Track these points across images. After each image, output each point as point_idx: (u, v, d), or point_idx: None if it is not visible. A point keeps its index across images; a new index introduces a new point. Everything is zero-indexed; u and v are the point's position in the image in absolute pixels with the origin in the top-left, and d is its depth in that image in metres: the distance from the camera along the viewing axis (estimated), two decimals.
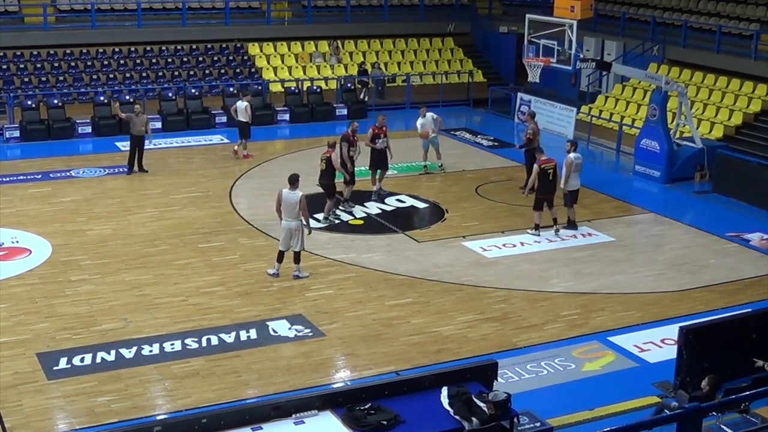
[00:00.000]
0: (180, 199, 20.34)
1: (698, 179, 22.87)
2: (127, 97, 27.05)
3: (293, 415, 9.32)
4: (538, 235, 18.62)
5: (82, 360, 13.09)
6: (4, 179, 21.79)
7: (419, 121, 22.72)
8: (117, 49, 29.82)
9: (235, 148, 24.17)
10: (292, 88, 29.71)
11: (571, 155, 18.84)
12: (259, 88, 29.21)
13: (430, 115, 22.75)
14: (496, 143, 26.54)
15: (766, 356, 12.03)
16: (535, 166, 18.61)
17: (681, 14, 29.30)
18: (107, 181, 21.92)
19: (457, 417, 9.45)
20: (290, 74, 31.04)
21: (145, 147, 22.43)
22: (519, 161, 24.26)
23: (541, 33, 23.61)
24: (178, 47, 30.69)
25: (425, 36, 33.85)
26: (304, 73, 31.13)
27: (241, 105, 23.66)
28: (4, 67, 28.17)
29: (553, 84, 29.33)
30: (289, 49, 31.83)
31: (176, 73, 29.81)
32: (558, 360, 13.49)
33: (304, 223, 15.81)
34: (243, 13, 32.38)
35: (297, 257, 16.12)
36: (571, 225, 18.99)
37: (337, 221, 19.21)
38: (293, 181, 15.73)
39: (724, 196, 21.69)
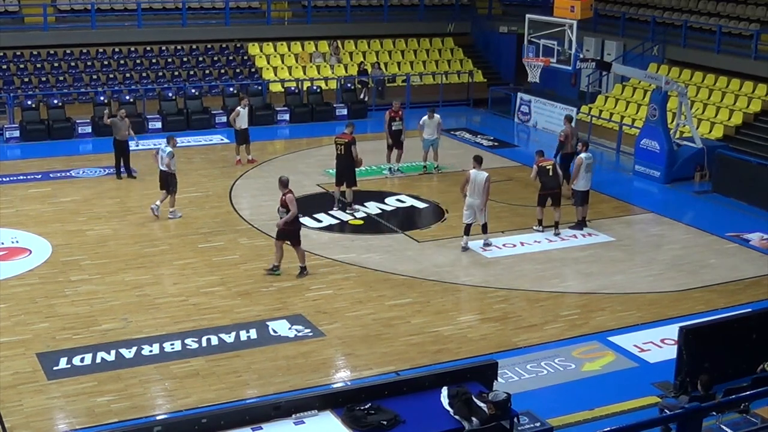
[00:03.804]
0: (180, 199, 20.29)
1: (698, 179, 22.87)
2: (127, 97, 27.07)
3: (293, 415, 9.32)
4: (542, 230, 18.65)
5: (82, 360, 13.10)
6: (4, 179, 21.79)
7: (424, 119, 22.71)
8: (117, 49, 29.82)
9: (249, 157, 23.63)
10: (292, 88, 29.71)
11: (582, 155, 18.90)
12: (259, 88, 29.22)
13: (437, 117, 22.81)
14: (496, 143, 26.54)
15: (766, 356, 12.04)
16: (534, 165, 18.65)
17: (681, 14, 29.31)
18: (107, 181, 21.90)
19: (457, 417, 9.45)
20: (290, 74, 31.04)
21: (131, 148, 22.15)
22: (519, 161, 24.31)
23: (541, 33, 23.60)
24: (178, 47, 30.70)
25: (425, 36, 33.85)
26: (304, 73, 31.14)
27: (243, 111, 23.41)
28: (4, 67, 28.17)
29: (553, 84, 29.34)
30: (289, 49, 31.84)
31: (176, 73, 29.82)
32: (558, 360, 13.49)
33: (481, 200, 17.33)
34: (243, 13, 32.39)
35: (485, 228, 17.83)
36: (579, 224, 18.99)
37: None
38: (480, 161, 17.62)
39: (724, 196, 21.68)
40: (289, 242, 16.26)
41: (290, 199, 15.95)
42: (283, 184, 16.10)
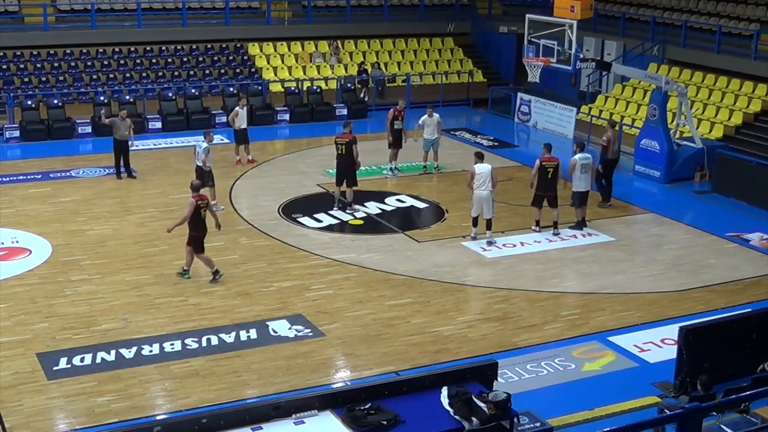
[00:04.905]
0: (180, 199, 20.25)
1: (698, 179, 22.87)
2: (127, 97, 27.07)
3: (293, 415, 9.32)
4: (539, 231, 18.65)
5: (82, 360, 13.10)
6: (4, 179, 21.78)
7: (424, 119, 22.69)
8: (117, 49, 29.82)
9: (249, 157, 23.61)
10: (292, 88, 29.71)
11: (577, 156, 18.85)
12: (259, 88, 29.22)
13: (436, 116, 22.81)
14: (496, 143, 26.54)
15: (766, 356, 12.04)
16: (537, 161, 18.61)
17: (681, 14, 29.31)
18: (107, 181, 21.91)
19: (457, 417, 9.46)
20: (290, 74, 31.04)
21: (130, 149, 22.10)
22: (519, 161, 24.32)
23: (541, 33, 23.61)
24: (178, 47, 30.69)
25: (425, 36, 33.86)
26: (304, 73, 31.14)
27: (242, 111, 23.40)
28: (4, 67, 28.16)
29: (553, 84, 29.35)
30: (289, 49, 31.84)
31: (176, 73, 29.81)
32: (558, 360, 13.49)
33: (492, 190, 17.63)
34: (243, 13, 32.39)
35: (489, 224, 17.91)
36: (578, 225, 18.98)
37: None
38: (482, 156, 18.10)
39: (724, 196, 21.68)
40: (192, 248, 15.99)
41: (189, 202, 15.84)
42: (192, 188, 16.16)
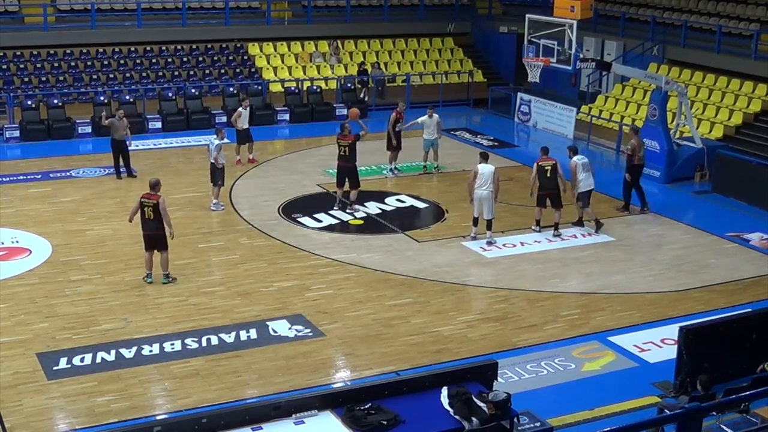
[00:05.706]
0: (180, 199, 20.32)
1: (698, 179, 22.87)
2: (128, 97, 27.07)
3: (293, 415, 9.33)
4: (539, 230, 18.66)
5: (82, 360, 13.10)
6: (4, 179, 21.79)
7: (423, 119, 22.69)
8: (117, 49, 29.82)
9: (251, 157, 23.63)
10: (292, 88, 29.71)
11: (575, 158, 18.87)
12: (259, 88, 29.22)
13: (436, 116, 22.81)
14: (496, 143, 26.53)
15: (766, 356, 12.05)
16: (534, 164, 18.64)
17: (681, 14, 29.31)
18: (107, 181, 21.91)
19: (457, 417, 9.46)
20: (290, 74, 31.04)
21: (129, 149, 22.09)
22: (519, 161, 24.31)
23: (541, 33, 23.62)
24: (178, 47, 30.70)
25: (425, 36, 33.86)
26: (304, 73, 31.14)
27: (245, 112, 23.40)
28: (4, 67, 28.16)
29: (553, 84, 29.34)
30: (289, 49, 31.84)
31: (176, 73, 29.81)
32: (558, 360, 13.49)
33: (493, 191, 17.67)
34: (243, 13, 32.39)
35: (489, 224, 17.94)
36: (578, 223, 19.02)
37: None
38: (487, 157, 18.24)
39: (724, 196, 21.68)
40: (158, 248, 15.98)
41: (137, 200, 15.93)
42: (149, 185, 16.04)
